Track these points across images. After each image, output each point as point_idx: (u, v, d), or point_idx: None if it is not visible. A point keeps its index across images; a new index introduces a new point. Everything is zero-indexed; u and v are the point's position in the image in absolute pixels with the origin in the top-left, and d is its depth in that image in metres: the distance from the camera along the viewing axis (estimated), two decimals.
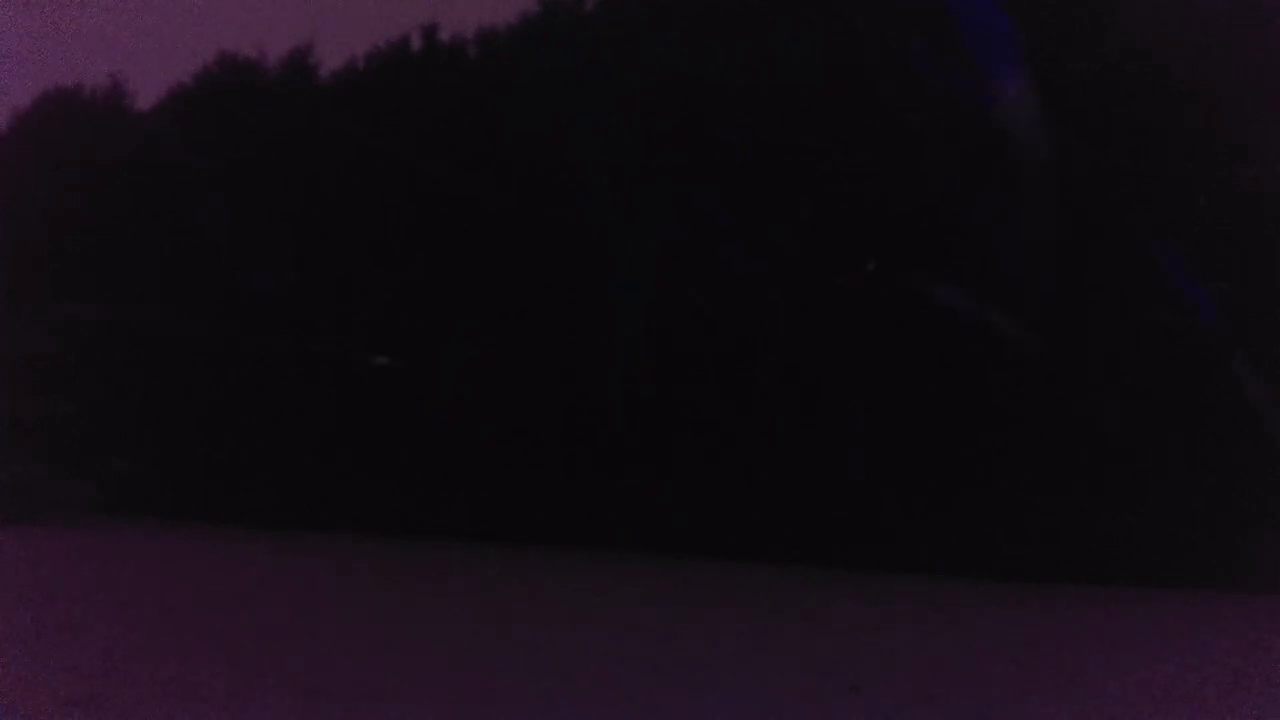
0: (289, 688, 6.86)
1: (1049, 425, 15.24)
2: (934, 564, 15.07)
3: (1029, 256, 15.56)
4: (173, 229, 22.42)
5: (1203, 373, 14.78)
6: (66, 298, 23.40)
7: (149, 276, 22.53)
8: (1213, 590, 13.36)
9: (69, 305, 23.25)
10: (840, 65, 17.14)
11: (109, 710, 6.14)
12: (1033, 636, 10.40)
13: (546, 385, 18.51)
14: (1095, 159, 15.57)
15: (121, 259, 23.24)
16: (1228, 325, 14.82)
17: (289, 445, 20.28)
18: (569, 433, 18.39)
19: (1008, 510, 14.92)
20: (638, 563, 15.89)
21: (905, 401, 15.97)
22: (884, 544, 15.62)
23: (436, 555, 16.98)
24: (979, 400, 15.69)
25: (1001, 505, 14.98)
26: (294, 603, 11.45)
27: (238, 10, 30.20)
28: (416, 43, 22.62)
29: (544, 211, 18.94)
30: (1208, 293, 14.70)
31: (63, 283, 23.81)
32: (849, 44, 17.28)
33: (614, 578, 14.44)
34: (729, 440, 17.02)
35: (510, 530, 18.26)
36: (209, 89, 24.78)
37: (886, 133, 16.57)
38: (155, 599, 11.12)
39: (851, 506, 15.97)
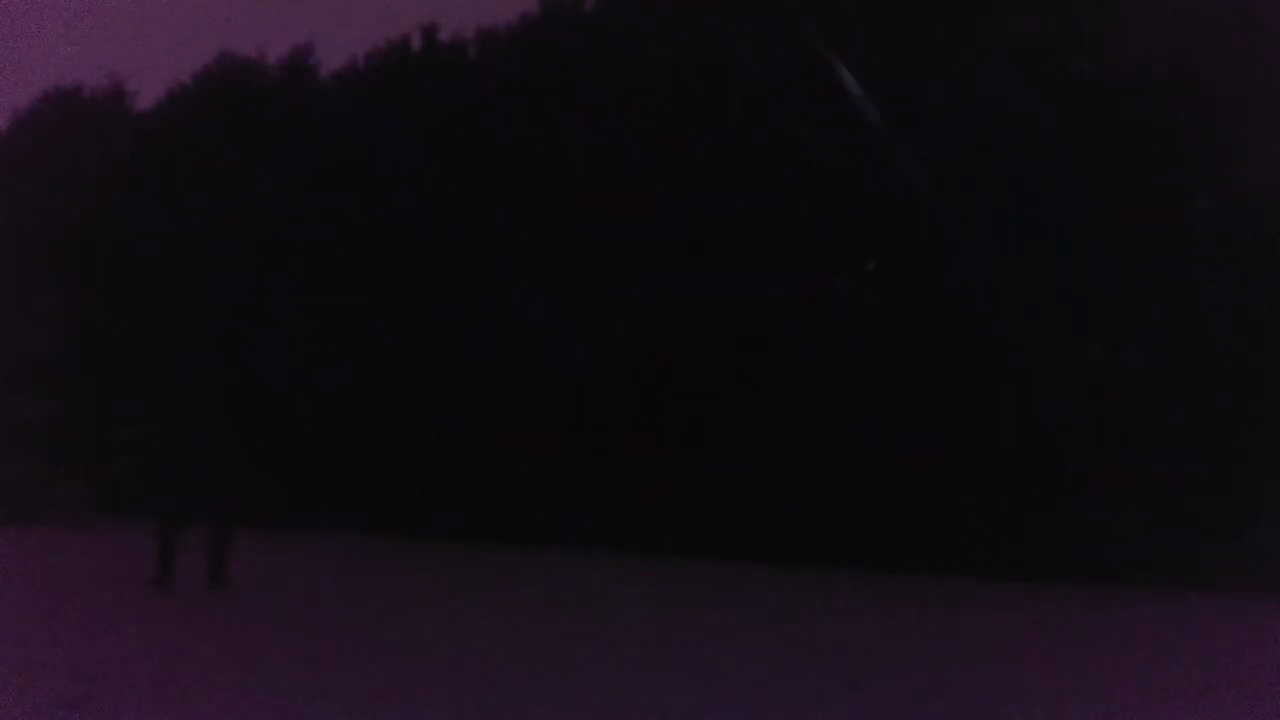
0: (284, 688, 6.86)
1: (1049, 425, 15.24)
2: (934, 564, 15.07)
3: (1029, 255, 15.58)
4: (172, 229, 22.43)
5: (1203, 372, 14.79)
6: (66, 298, 23.40)
7: (148, 276, 22.53)
8: (1213, 590, 13.35)
9: (69, 305, 23.25)
10: (841, 66, 17.13)
11: (107, 711, 6.14)
12: (1033, 636, 10.40)
13: (547, 385, 18.52)
14: (1096, 158, 15.58)
15: (121, 259, 23.24)
16: (1228, 326, 14.83)
17: (287, 445, 20.27)
18: (569, 433, 18.39)
19: (1008, 510, 14.92)
20: (637, 563, 15.88)
21: (904, 400, 15.98)
22: (884, 544, 15.62)
23: (429, 553, 16.98)
24: (978, 400, 15.70)
25: (1001, 505, 14.98)
26: (289, 599, 11.45)
27: (238, 10, 30.24)
28: (416, 43, 22.67)
29: (543, 212, 18.96)
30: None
31: (63, 283, 23.81)
32: (849, 45, 17.28)
33: (613, 577, 14.44)
34: (728, 439, 17.02)
35: (510, 530, 18.26)
36: (209, 89, 24.80)
37: (887, 134, 16.57)
38: (154, 599, 11.12)
39: (851, 506, 15.97)
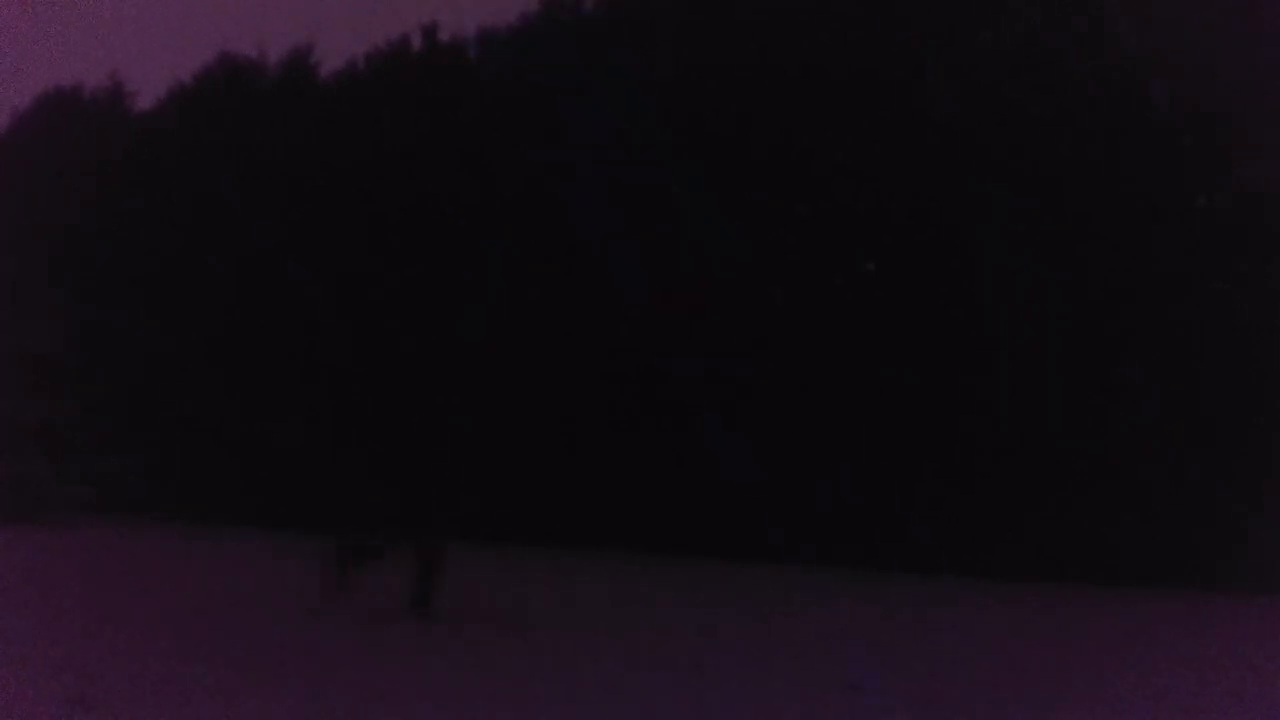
0: (280, 687, 6.86)
1: (1049, 426, 15.24)
2: (934, 564, 15.07)
3: (1029, 258, 15.58)
4: (172, 229, 22.43)
5: (1202, 375, 14.79)
6: (67, 298, 23.39)
7: (149, 277, 22.53)
8: (1213, 590, 13.36)
9: (69, 305, 23.24)
10: (839, 66, 17.15)
11: (107, 710, 6.13)
12: (1033, 636, 10.39)
13: (546, 384, 18.49)
14: (1095, 160, 15.59)
15: (121, 259, 23.24)
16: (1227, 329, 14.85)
17: (288, 446, 20.26)
18: (571, 435, 18.37)
19: (1008, 510, 14.92)
20: (637, 562, 15.88)
21: (905, 403, 15.98)
22: (885, 544, 15.62)
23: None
24: (979, 401, 15.70)
25: (1001, 505, 14.98)
26: (276, 601, 11.41)
27: (238, 10, 30.25)
28: (416, 43, 22.67)
29: (544, 212, 18.93)
30: None
31: (63, 283, 23.80)
32: (847, 45, 17.29)
33: (613, 577, 14.43)
34: (730, 441, 17.01)
35: (511, 531, 18.24)
36: (209, 89, 24.79)
37: (886, 134, 16.58)
38: (152, 598, 11.12)
39: (852, 507, 15.96)
